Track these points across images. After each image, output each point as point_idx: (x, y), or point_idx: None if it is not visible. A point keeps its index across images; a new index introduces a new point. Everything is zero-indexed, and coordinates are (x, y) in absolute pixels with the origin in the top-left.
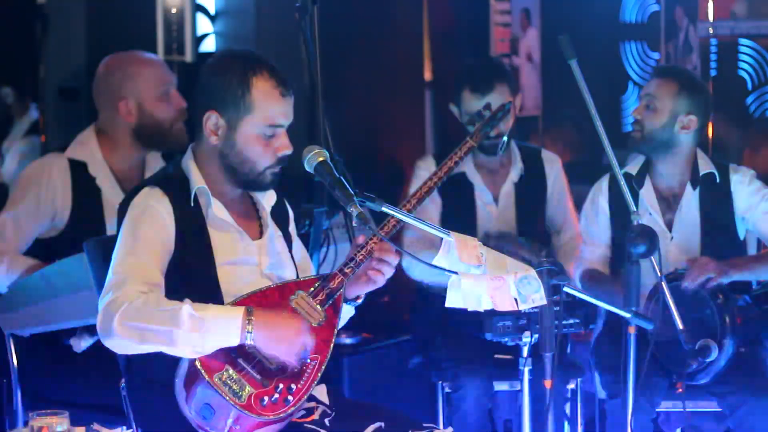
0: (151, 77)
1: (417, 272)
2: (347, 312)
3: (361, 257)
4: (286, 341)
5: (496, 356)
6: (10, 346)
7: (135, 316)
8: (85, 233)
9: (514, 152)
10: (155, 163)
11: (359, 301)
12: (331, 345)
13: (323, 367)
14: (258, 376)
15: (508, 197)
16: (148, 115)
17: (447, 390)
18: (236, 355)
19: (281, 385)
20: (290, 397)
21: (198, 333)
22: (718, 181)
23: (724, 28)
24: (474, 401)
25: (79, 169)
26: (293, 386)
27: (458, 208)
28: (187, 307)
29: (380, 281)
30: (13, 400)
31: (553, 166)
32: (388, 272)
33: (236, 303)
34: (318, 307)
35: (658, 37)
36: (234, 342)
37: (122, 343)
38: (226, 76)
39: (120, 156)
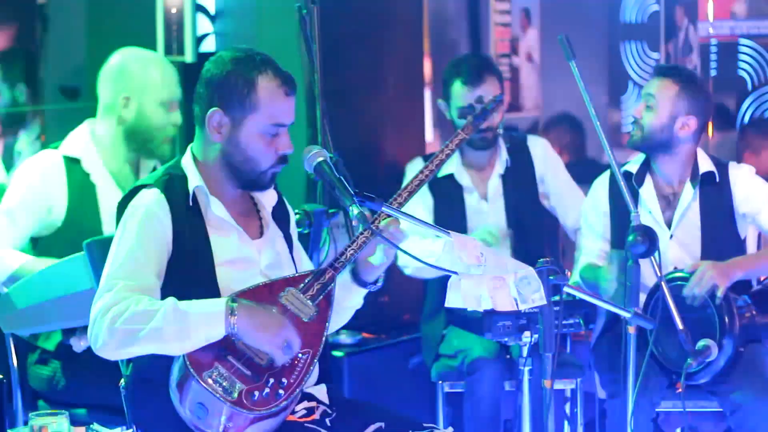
0: (165, 83)
1: (410, 269)
2: (357, 297)
3: (351, 252)
4: (268, 330)
5: None
6: (10, 346)
7: (121, 320)
8: (82, 230)
9: (500, 146)
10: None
11: (379, 284)
12: (323, 339)
13: (315, 361)
14: (248, 372)
15: (497, 191)
16: (145, 118)
17: (448, 389)
18: (226, 353)
19: (272, 380)
20: (281, 391)
21: (183, 325)
22: (718, 180)
23: (724, 28)
24: (489, 386)
25: (73, 166)
26: (284, 380)
27: (449, 209)
28: (171, 303)
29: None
30: (13, 400)
31: (540, 149)
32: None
33: None
34: (308, 302)
35: (658, 37)
36: (220, 331)
37: (113, 352)
38: (232, 73)
39: (113, 152)
